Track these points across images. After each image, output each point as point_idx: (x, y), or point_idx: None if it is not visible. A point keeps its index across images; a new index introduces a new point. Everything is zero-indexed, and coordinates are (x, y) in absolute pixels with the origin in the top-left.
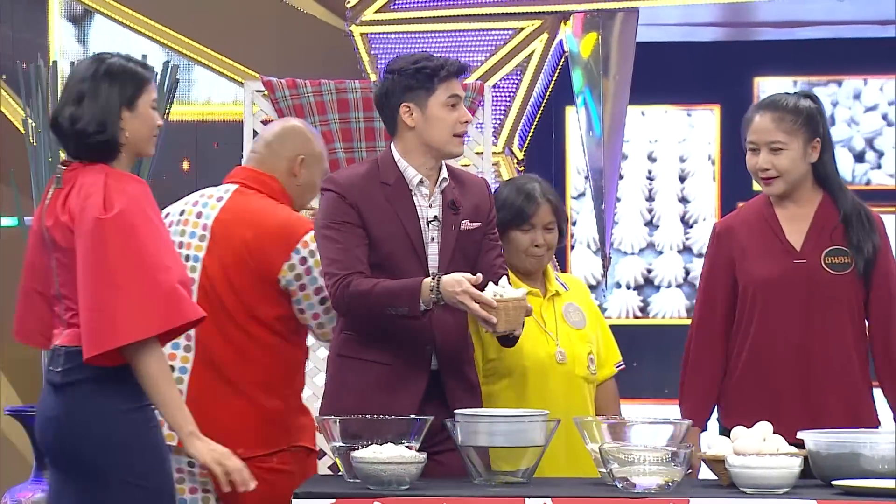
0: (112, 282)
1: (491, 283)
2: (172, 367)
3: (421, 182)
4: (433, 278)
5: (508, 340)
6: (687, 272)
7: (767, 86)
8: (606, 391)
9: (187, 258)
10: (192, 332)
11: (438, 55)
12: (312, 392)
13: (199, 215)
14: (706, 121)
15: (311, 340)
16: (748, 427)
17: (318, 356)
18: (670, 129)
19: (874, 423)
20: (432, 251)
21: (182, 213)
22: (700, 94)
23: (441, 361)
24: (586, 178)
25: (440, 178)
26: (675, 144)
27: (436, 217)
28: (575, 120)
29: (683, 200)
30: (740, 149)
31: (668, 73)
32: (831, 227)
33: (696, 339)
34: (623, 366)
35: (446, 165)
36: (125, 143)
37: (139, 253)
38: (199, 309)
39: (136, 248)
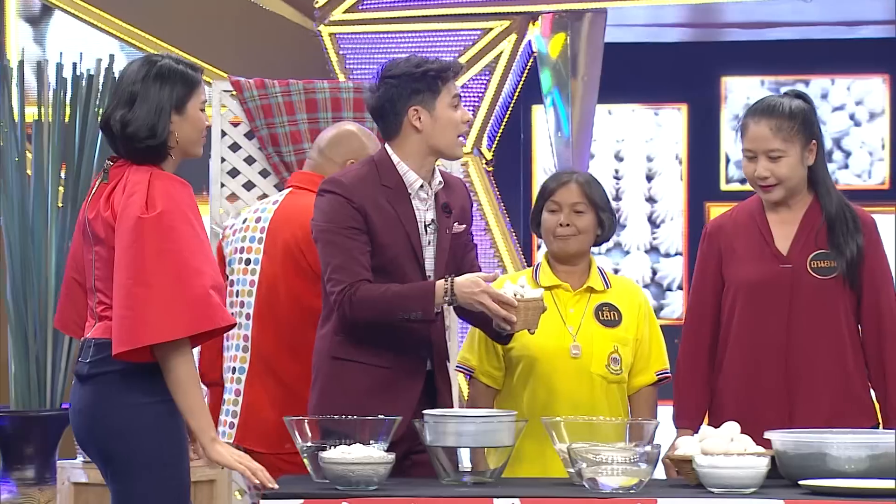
0: (146, 280)
1: (508, 282)
2: (233, 369)
3: (421, 186)
4: (446, 280)
5: (503, 338)
6: (654, 272)
7: (734, 85)
8: (642, 398)
9: (248, 262)
10: (249, 332)
11: (428, 56)
12: None
13: (257, 220)
14: (673, 120)
15: None
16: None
17: None
18: (637, 129)
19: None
20: (428, 255)
21: (244, 220)
22: (667, 94)
23: (435, 364)
24: None
25: (434, 181)
26: (643, 143)
27: (432, 220)
28: (543, 119)
29: (650, 200)
30: (707, 148)
31: (635, 72)
32: (817, 230)
33: (685, 340)
34: (667, 374)
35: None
36: (174, 145)
37: (175, 255)
38: (230, 316)
39: (172, 249)
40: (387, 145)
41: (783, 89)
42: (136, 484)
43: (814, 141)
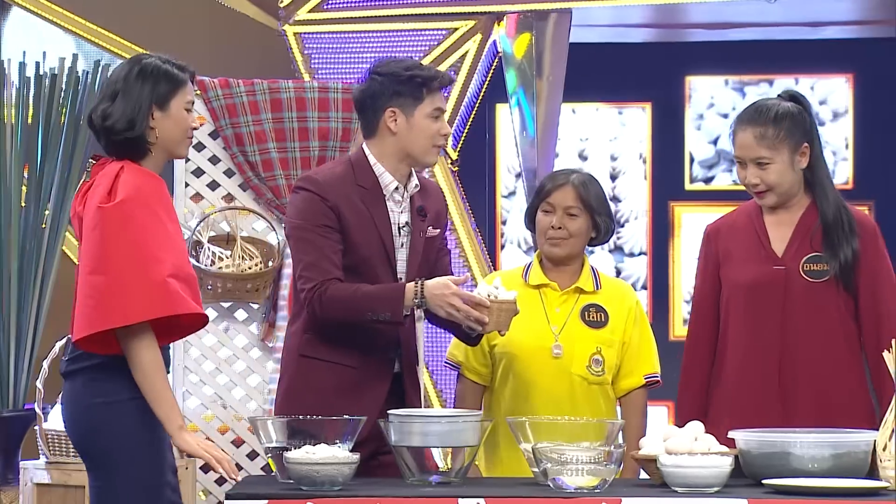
0: (103, 268)
1: (483, 283)
2: None
3: (396, 188)
4: (416, 283)
5: (472, 339)
6: (618, 272)
7: (699, 84)
8: (630, 401)
9: None
10: None
11: (423, 65)
12: (246, 393)
13: None
14: (637, 119)
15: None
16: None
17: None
18: (601, 127)
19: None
20: (401, 257)
21: None
22: (631, 93)
23: (403, 365)
24: (517, 175)
25: (411, 184)
26: (607, 143)
27: (406, 223)
28: (506, 118)
29: (615, 199)
30: (672, 148)
31: (598, 71)
32: (812, 232)
33: (688, 342)
34: (656, 378)
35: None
36: (155, 142)
37: (132, 243)
38: (193, 304)
39: (130, 238)
40: (365, 145)
41: (747, 89)
42: (111, 480)
43: (805, 143)
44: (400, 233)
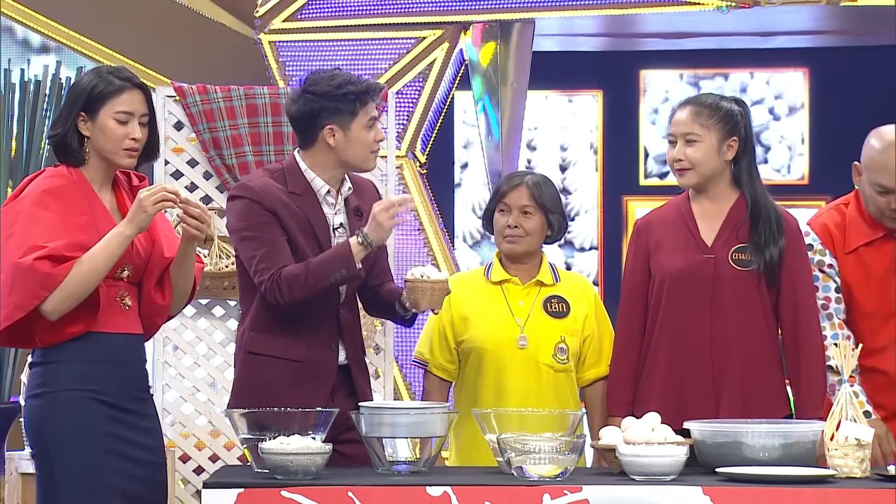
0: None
1: (416, 266)
2: None
3: (328, 192)
4: (357, 234)
5: (407, 321)
6: (568, 267)
7: (653, 78)
8: (595, 391)
9: None
10: None
11: (353, 74)
12: (223, 386)
13: None
14: (588, 107)
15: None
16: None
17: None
18: (551, 116)
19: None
20: None
21: None
22: (583, 81)
23: (349, 356)
24: (463, 167)
25: (344, 188)
26: (556, 132)
27: (341, 224)
28: (460, 109)
29: (564, 191)
30: (625, 140)
31: (550, 58)
32: (740, 226)
33: (617, 333)
34: None
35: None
36: (89, 149)
37: (17, 236)
38: (60, 273)
39: (16, 232)
40: (297, 152)
41: (702, 83)
42: (50, 468)
43: (735, 138)
44: (335, 234)
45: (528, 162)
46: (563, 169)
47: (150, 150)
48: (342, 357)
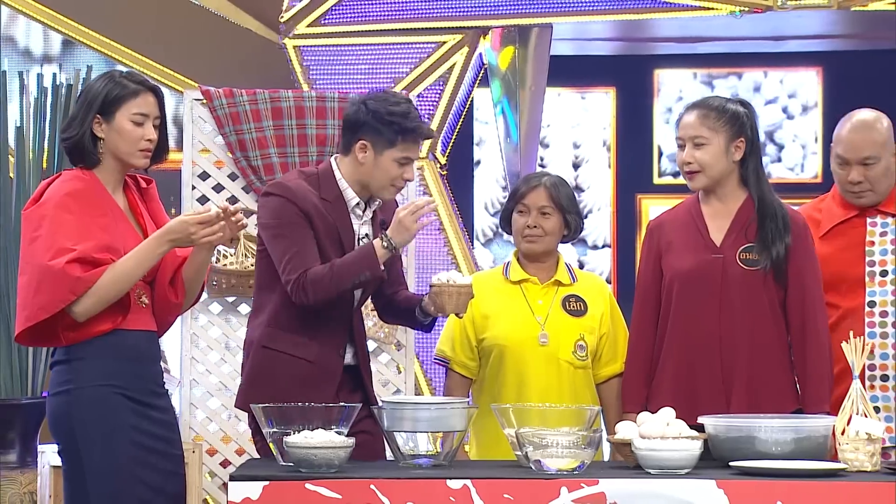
0: (23, 269)
1: (442, 271)
2: None
3: (357, 204)
4: (380, 236)
5: (426, 326)
6: (581, 265)
7: (667, 77)
8: (612, 387)
9: None
10: None
11: (416, 110)
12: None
13: None
14: (601, 104)
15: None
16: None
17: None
18: (563, 113)
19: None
20: None
21: None
22: (596, 78)
23: (360, 358)
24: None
25: (375, 203)
26: (569, 129)
27: (367, 235)
28: (474, 106)
29: (577, 189)
30: (639, 137)
31: (565, 58)
32: (748, 225)
33: (631, 332)
34: None
35: None
36: (103, 151)
37: (43, 239)
38: (90, 279)
39: (43, 235)
40: (334, 159)
41: (716, 82)
42: (78, 463)
43: (742, 139)
44: (360, 243)
45: (541, 159)
46: (575, 166)
47: (159, 151)
48: (348, 358)
